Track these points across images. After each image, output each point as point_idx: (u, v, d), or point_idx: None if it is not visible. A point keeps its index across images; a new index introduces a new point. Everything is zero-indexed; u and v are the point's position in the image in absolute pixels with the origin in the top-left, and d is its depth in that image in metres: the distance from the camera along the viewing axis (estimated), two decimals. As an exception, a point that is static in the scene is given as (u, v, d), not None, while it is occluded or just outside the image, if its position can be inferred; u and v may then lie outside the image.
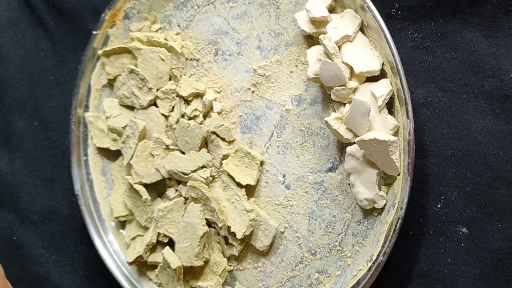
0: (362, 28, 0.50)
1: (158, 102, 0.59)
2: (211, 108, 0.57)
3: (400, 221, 0.48)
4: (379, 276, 0.49)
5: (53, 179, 0.68)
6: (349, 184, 0.52)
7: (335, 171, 0.53)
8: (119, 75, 0.62)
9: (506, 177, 0.49)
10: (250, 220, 0.54)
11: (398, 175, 0.48)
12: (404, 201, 0.47)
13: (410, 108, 0.47)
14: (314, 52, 0.51)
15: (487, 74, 0.49)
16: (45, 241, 0.68)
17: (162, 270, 0.58)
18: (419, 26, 0.51)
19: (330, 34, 0.50)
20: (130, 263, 0.60)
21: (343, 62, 0.49)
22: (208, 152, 0.57)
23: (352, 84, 0.49)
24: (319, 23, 0.51)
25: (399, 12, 0.52)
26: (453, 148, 0.50)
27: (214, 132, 0.57)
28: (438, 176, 0.51)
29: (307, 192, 0.54)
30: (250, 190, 0.56)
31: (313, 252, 0.53)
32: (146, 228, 0.60)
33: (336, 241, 0.52)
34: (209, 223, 0.57)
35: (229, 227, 0.56)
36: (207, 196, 0.56)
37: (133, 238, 0.61)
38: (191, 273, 0.58)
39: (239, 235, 0.55)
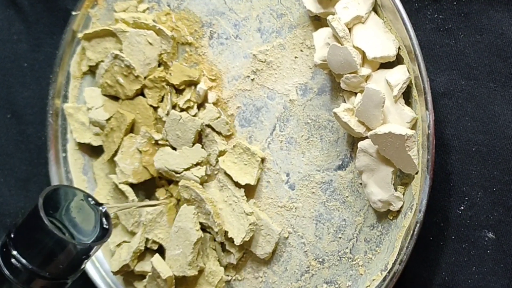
0: (375, 8, 0.50)
1: (146, 91, 0.59)
2: (206, 98, 0.57)
3: (418, 225, 0.48)
4: (395, 287, 0.50)
5: (28, 178, 0.68)
6: (361, 183, 0.52)
7: (345, 169, 0.53)
8: (102, 61, 0.62)
9: (537, 175, 0.49)
10: (250, 224, 0.54)
11: (416, 173, 0.49)
12: (423, 202, 0.47)
13: (429, 98, 0.47)
14: (322, 35, 0.51)
15: (516, 59, 0.49)
16: (20, 248, 0.68)
17: (151, 280, 0.58)
18: (440, 5, 0.51)
19: (339, 15, 0.50)
20: (115, 273, 0.60)
21: (354, 46, 0.49)
22: (202, 148, 0.57)
23: (364, 71, 0.49)
24: (327, 2, 0.51)
25: (417, -10, 0.52)
26: (478, 143, 0.50)
27: (209, 126, 0.57)
28: (461, 175, 0.51)
29: (313, 192, 0.54)
30: (249, 191, 0.56)
31: (320, 260, 0.54)
32: (133, 234, 0.60)
33: (347, 247, 0.53)
34: (203, 228, 0.57)
35: (226, 232, 0.56)
36: (202, 197, 0.56)
37: (119, 245, 0.61)
38: (183, 283, 0.58)
39: (237, 241, 0.55)
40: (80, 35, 0.62)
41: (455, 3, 0.51)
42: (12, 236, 0.47)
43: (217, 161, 0.57)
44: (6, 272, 0.46)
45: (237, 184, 0.56)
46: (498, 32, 0.49)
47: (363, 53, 0.49)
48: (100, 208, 0.50)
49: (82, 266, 0.49)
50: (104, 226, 0.50)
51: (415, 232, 0.48)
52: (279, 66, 0.55)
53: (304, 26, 0.54)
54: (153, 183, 0.60)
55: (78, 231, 0.49)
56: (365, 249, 0.52)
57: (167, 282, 0.56)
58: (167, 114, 0.58)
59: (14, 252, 0.46)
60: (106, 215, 0.50)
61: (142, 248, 0.59)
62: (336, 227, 0.53)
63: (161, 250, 0.59)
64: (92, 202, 0.50)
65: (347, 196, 0.52)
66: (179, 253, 0.56)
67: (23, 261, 0.46)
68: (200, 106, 0.58)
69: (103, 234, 0.50)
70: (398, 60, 0.49)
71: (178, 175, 0.57)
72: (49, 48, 0.67)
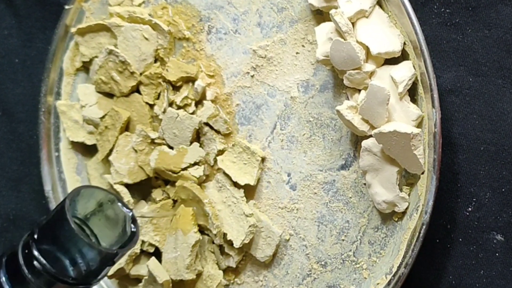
0: (379, 2, 0.50)
1: (142, 88, 0.59)
2: (204, 95, 0.57)
3: (424, 227, 0.48)
4: (400, 291, 0.50)
5: (19, 178, 0.68)
6: (365, 184, 0.52)
7: (348, 169, 0.53)
8: (96, 56, 0.62)
9: (548, 175, 0.49)
10: (250, 226, 0.54)
11: (422, 173, 0.48)
12: (429, 203, 0.47)
13: (436, 96, 0.47)
14: (324, 30, 0.51)
15: (526, 55, 0.49)
16: (11, 251, 0.68)
17: (147, 284, 0.58)
18: (447, -1, 0.51)
19: (342, 9, 0.50)
20: (110, 277, 0.60)
21: (357, 41, 0.49)
22: (200, 146, 0.57)
23: (368, 67, 0.49)
24: (330, -5, 0.51)
25: (423, -17, 0.52)
26: (486, 141, 0.50)
27: (207, 124, 0.57)
28: (469, 175, 0.51)
29: (316, 193, 0.54)
30: (249, 191, 0.56)
31: (323, 263, 0.54)
32: (128, 236, 0.60)
33: (350, 250, 0.53)
34: (202, 230, 0.57)
35: (225, 234, 0.56)
36: (200, 198, 0.56)
37: (113, 247, 0.61)
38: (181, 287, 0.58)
39: (236, 244, 0.55)
40: (73, 29, 0.62)
41: (462, -4, 0.51)
42: (35, 237, 0.46)
43: (215, 161, 0.57)
44: (27, 273, 0.45)
45: (236, 185, 0.56)
46: (507, 27, 0.49)
47: (367, 49, 0.49)
48: (128, 212, 0.49)
49: (106, 272, 0.48)
50: (132, 230, 0.48)
51: (421, 234, 0.48)
52: (279, 62, 0.55)
53: (306, 20, 0.54)
54: (149, 184, 0.60)
55: (100, 233, 0.48)
56: (369, 252, 0.52)
57: (164, 286, 0.56)
58: (164, 112, 0.58)
59: (36, 253, 0.45)
60: (133, 219, 0.49)
61: (138, 251, 0.59)
62: (339, 229, 0.53)
63: (157, 253, 0.58)
64: (120, 205, 0.49)
65: (350, 197, 0.52)
66: (176, 256, 0.56)
67: (46, 264, 0.45)
68: (198, 103, 0.58)
69: (130, 240, 0.48)
70: (403, 56, 0.49)
71: (175, 175, 0.57)
72: (41, 44, 0.67)
